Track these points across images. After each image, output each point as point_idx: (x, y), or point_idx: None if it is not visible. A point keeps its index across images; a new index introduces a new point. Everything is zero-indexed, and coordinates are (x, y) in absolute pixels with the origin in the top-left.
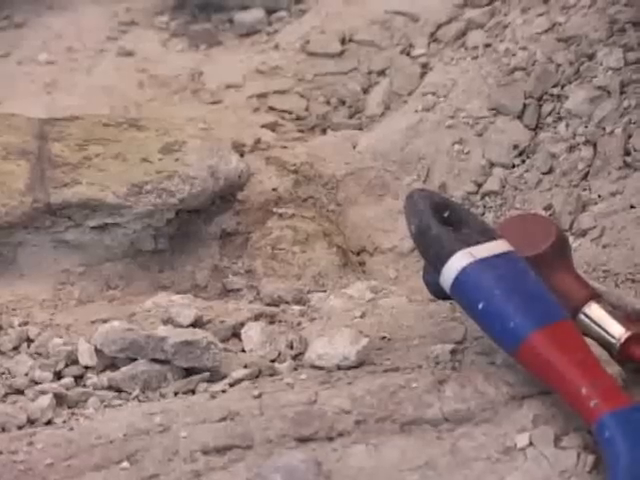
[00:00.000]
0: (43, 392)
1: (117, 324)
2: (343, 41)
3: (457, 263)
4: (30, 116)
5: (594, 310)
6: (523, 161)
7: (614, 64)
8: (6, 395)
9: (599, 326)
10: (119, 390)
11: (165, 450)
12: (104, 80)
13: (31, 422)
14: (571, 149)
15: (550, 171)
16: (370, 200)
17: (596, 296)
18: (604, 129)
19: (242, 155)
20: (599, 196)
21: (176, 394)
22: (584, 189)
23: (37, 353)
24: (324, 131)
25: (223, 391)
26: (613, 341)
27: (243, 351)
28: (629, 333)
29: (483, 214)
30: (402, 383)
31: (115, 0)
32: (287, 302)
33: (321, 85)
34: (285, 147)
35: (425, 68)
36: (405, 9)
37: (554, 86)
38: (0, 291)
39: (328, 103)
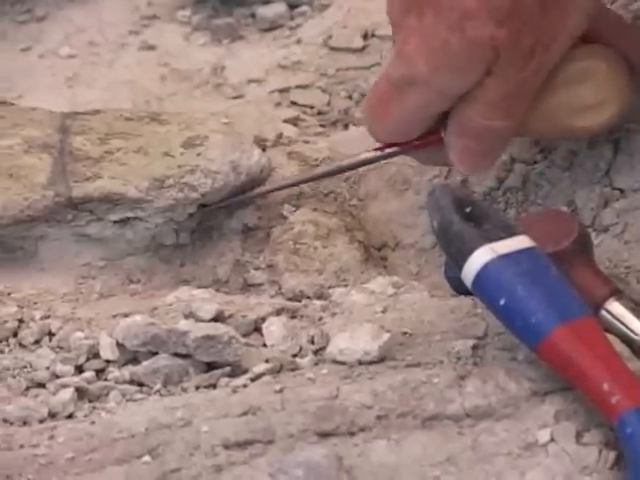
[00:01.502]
0: (64, 386)
1: (139, 318)
2: (365, 36)
3: (479, 259)
4: (52, 110)
5: (616, 307)
6: (545, 157)
7: None
8: (27, 389)
9: (621, 322)
10: (141, 384)
11: (187, 444)
12: (126, 74)
13: (52, 416)
14: (592, 145)
15: (571, 167)
16: (392, 195)
17: (618, 292)
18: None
19: (264, 150)
20: (621, 192)
21: (197, 388)
22: (605, 185)
23: (58, 347)
24: (346, 126)
25: (244, 386)
26: (635, 337)
27: (264, 346)
28: None
29: (505, 210)
30: (423, 378)
31: None
32: (309, 297)
33: (343, 80)
34: (307, 142)
35: None
36: None
37: None
38: (21, 285)
39: (350, 98)
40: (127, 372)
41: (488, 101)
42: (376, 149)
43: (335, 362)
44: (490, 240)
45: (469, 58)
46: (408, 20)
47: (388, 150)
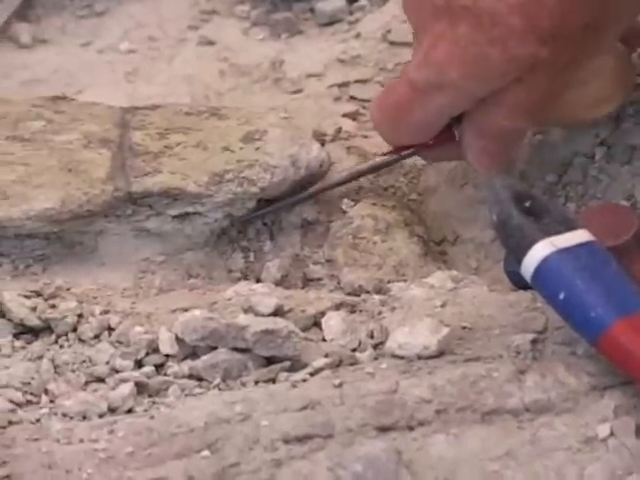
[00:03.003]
0: (124, 380)
1: (198, 313)
2: None
3: (538, 253)
4: (111, 105)
5: None
6: (604, 151)
7: None
8: (87, 383)
9: None
10: (200, 379)
11: (246, 439)
12: (185, 69)
13: (112, 410)
14: None
15: (630, 161)
16: (451, 190)
17: None
18: None
19: (323, 144)
20: None
21: (257, 383)
22: None
23: (118, 341)
24: None
25: (304, 380)
26: None
27: (324, 340)
28: None
29: (565, 204)
30: (483, 373)
31: None
32: (368, 291)
33: None
34: (366, 136)
35: None
36: None
37: (637, 75)
38: (81, 280)
39: None
40: (186, 367)
41: (515, 106)
42: (390, 152)
43: (394, 356)
44: (549, 234)
45: (506, 71)
46: (437, 26)
47: (403, 152)
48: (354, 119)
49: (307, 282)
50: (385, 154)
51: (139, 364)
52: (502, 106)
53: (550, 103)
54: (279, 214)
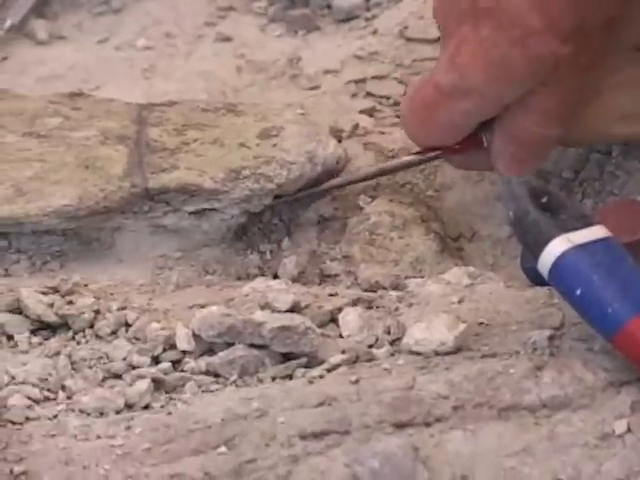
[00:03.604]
0: (141, 377)
1: (215, 309)
2: None
3: (555, 249)
4: (128, 101)
5: None
6: (621, 148)
7: None
8: (104, 380)
9: None
10: (217, 375)
11: (262, 435)
12: (202, 65)
13: (129, 407)
14: None
15: None
16: (467, 186)
17: None
18: None
19: (340, 141)
20: None
21: (274, 379)
22: None
23: (135, 338)
24: None
25: (320, 376)
26: None
27: (340, 336)
28: None
29: (581, 201)
30: (500, 369)
31: None
32: (384, 288)
33: (419, 71)
34: (383, 133)
35: None
36: None
37: None
38: (98, 276)
39: None
40: (203, 363)
41: (543, 110)
42: (417, 153)
43: (411, 352)
44: (566, 230)
45: (529, 72)
46: (461, 29)
47: (429, 154)
48: (371, 115)
49: (324, 278)
50: (412, 154)
51: (156, 360)
52: (530, 111)
53: (578, 109)
54: (296, 208)
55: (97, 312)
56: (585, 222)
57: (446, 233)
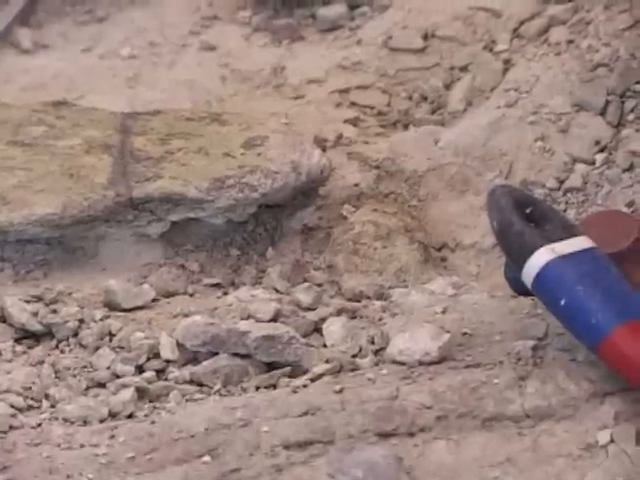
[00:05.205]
0: (125, 386)
1: (199, 318)
2: (425, 37)
3: (539, 259)
4: (113, 110)
5: None
6: (605, 158)
7: None
8: (88, 389)
9: None
10: (200, 384)
11: (246, 444)
12: (186, 74)
13: (113, 415)
14: None
15: (631, 168)
16: (452, 196)
17: None
18: None
19: (324, 150)
20: None
21: (257, 389)
22: None
23: (119, 347)
24: (406, 127)
25: (304, 386)
26: None
27: (324, 346)
28: None
29: (565, 210)
30: (483, 379)
31: None
32: (368, 297)
33: (403, 81)
34: (367, 142)
35: (508, 64)
36: (488, 5)
37: (637, 82)
38: (82, 285)
39: (410, 99)
40: (187, 372)
41: None
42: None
43: (395, 362)
44: (550, 240)
45: None
46: None
47: None
48: (355, 125)
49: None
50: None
51: (140, 369)
52: None
53: None
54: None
55: (81, 321)
56: (569, 232)
57: (430, 243)
